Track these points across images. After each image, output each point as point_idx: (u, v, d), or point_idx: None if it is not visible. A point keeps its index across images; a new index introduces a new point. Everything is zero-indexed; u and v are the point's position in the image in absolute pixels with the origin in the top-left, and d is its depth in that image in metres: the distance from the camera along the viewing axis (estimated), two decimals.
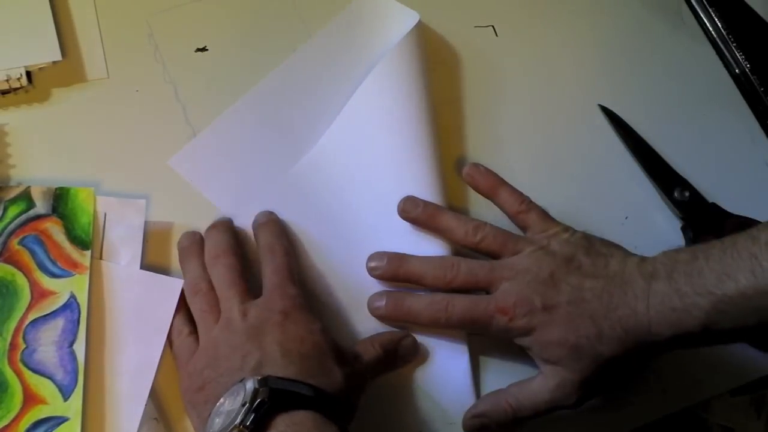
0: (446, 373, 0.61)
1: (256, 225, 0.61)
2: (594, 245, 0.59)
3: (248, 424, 0.48)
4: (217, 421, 0.49)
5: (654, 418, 0.62)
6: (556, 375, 0.57)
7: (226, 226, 0.61)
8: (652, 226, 0.67)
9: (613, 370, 0.56)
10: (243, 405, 0.48)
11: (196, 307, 0.58)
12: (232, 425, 0.48)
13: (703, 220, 0.65)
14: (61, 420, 0.53)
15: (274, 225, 0.61)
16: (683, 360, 0.63)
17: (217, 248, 0.59)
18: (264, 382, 0.49)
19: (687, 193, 0.66)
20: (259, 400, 0.48)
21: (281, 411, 0.49)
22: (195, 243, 0.60)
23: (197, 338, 0.57)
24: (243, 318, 0.55)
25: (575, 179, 0.64)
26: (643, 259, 0.57)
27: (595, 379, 0.56)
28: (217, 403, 0.50)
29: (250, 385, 0.49)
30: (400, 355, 0.60)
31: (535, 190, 0.62)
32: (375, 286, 0.61)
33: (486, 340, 0.61)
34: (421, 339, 0.60)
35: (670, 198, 0.66)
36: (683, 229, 0.66)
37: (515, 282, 0.58)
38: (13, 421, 0.53)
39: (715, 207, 0.66)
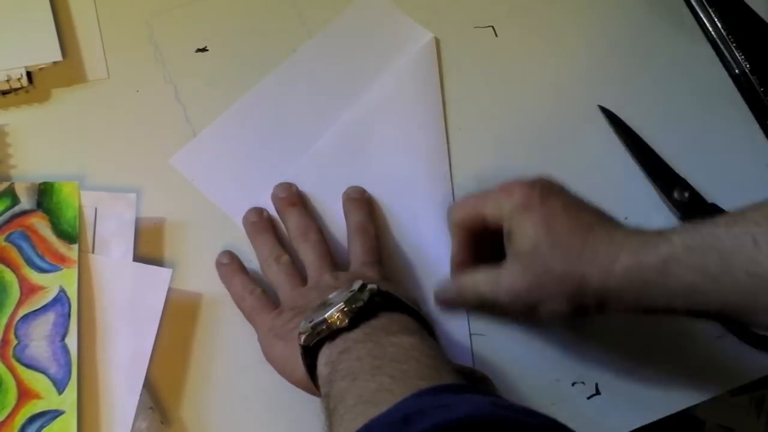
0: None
1: (346, 198, 0.62)
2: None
3: (354, 307, 0.47)
4: (322, 311, 0.48)
5: (654, 418, 0.61)
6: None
7: (305, 207, 0.62)
8: (652, 227, 0.66)
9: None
10: (351, 291, 0.48)
11: (278, 271, 0.58)
12: (338, 305, 0.47)
13: None
14: (57, 413, 0.53)
15: (367, 204, 0.62)
16: (683, 360, 0.63)
17: (306, 226, 0.60)
18: (373, 284, 0.49)
19: (687, 194, 0.66)
20: (368, 290, 0.48)
21: (386, 310, 0.49)
22: (264, 219, 0.61)
23: (270, 299, 0.57)
24: (335, 280, 0.55)
25: (575, 179, 0.63)
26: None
27: None
28: (321, 300, 0.50)
29: (359, 281, 0.49)
30: None
31: None
32: None
33: (487, 341, 0.61)
34: None
35: (669, 198, 0.66)
36: None
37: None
38: (8, 416, 0.53)
39: (714, 207, 0.66)
